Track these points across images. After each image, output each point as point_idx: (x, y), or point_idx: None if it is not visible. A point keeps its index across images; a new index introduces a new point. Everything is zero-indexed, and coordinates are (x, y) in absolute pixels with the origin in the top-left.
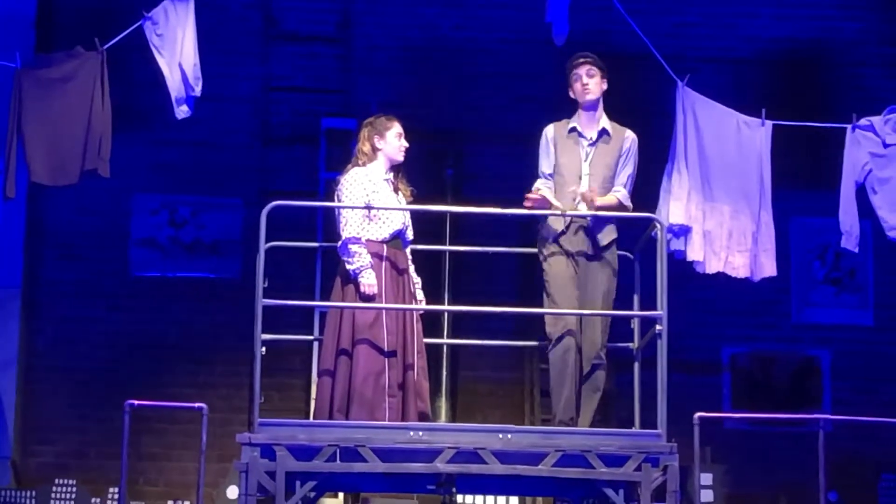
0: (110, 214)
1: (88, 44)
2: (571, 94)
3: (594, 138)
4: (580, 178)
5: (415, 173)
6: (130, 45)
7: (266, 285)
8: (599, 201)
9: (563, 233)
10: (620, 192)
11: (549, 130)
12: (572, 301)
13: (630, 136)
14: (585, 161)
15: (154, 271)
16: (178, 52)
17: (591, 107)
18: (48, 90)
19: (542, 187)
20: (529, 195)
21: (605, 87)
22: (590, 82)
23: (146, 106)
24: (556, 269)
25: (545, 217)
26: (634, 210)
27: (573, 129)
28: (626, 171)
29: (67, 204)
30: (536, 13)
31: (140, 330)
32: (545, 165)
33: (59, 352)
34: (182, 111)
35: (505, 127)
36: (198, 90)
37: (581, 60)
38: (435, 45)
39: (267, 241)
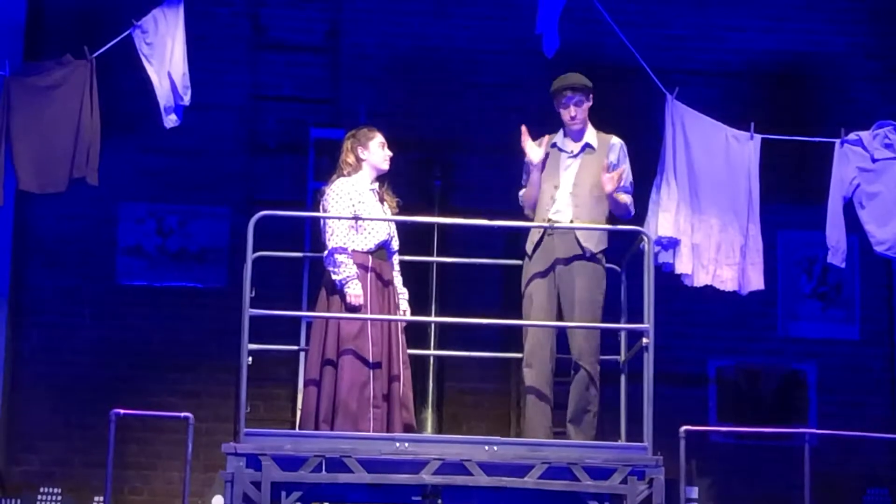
0: (97, 222)
1: (78, 52)
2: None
3: (576, 151)
4: (556, 189)
5: (402, 184)
6: (120, 53)
7: (253, 295)
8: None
9: (540, 241)
10: (629, 198)
11: (544, 141)
12: (545, 314)
13: (616, 143)
14: (565, 172)
15: (140, 280)
16: (167, 60)
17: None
18: (37, 98)
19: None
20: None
21: (590, 104)
22: (577, 112)
23: (134, 114)
24: (531, 286)
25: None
26: (623, 223)
27: (554, 145)
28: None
29: (54, 211)
30: (526, 24)
31: (126, 338)
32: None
33: (44, 359)
34: (171, 120)
35: (493, 138)
36: (187, 99)
37: (569, 92)
38: (424, 55)
39: (254, 250)
